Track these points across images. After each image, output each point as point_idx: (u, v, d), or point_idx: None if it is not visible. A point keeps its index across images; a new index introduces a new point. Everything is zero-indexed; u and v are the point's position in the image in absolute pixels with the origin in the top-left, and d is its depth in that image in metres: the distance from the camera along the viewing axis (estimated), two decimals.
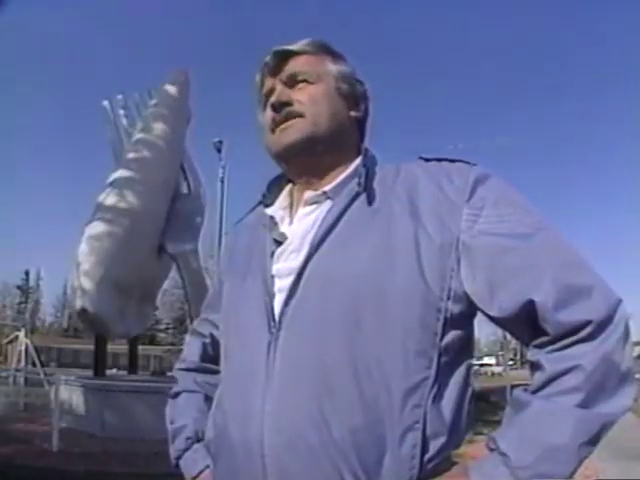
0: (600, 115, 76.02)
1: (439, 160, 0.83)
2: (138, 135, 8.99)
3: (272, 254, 0.83)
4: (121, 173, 8.41)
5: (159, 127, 8.95)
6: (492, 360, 41.58)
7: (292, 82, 0.87)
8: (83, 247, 7.64)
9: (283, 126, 0.85)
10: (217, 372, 0.95)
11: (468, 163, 0.81)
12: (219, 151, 15.36)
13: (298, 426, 0.71)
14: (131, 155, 8.71)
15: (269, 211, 0.89)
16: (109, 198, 8.07)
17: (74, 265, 7.65)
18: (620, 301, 0.71)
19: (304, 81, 0.87)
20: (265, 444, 0.72)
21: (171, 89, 9.52)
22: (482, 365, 38.35)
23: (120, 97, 9.89)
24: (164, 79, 9.75)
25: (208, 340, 1.01)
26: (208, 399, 0.93)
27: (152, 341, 34.53)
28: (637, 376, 0.78)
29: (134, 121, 9.49)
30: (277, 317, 0.77)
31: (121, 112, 9.71)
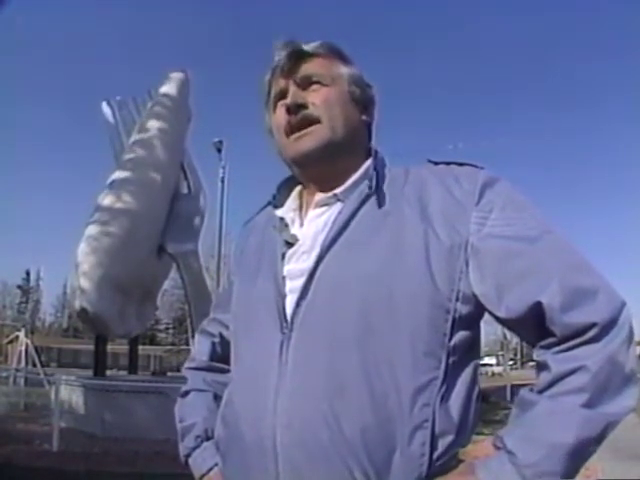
0: (602, 115, 76.08)
1: (447, 164, 0.85)
2: (137, 136, 8.97)
3: (283, 255, 0.84)
4: (121, 173, 8.40)
5: (158, 127, 8.93)
6: (492, 360, 41.57)
7: (306, 84, 0.87)
8: (83, 247, 7.63)
9: (300, 133, 0.84)
10: (226, 371, 0.96)
11: (476, 167, 0.82)
12: (219, 151, 15.41)
13: (310, 424, 0.72)
14: (130, 155, 8.70)
15: (279, 213, 0.90)
16: (109, 198, 8.06)
17: (74, 265, 7.64)
18: (624, 304, 0.72)
19: (318, 83, 0.87)
20: (277, 442, 0.73)
21: (171, 89, 9.50)
22: (482, 365, 38.38)
23: (119, 97, 9.88)
24: (164, 79, 9.74)
25: (217, 339, 1.02)
26: (217, 398, 0.94)
27: (152, 341, 34.61)
28: None
29: (134, 121, 9.47)
30: (289, 317, 0.78)
31: (120, 112, 9.69)
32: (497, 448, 0.71)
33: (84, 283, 7.41)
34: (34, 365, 13.87)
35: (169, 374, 19.70)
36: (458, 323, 0.75)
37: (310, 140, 0.84)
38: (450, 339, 0.75)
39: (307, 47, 0.88)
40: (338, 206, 0.83)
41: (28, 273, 49.38)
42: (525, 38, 78.07)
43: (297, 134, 0.85)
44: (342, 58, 0.91)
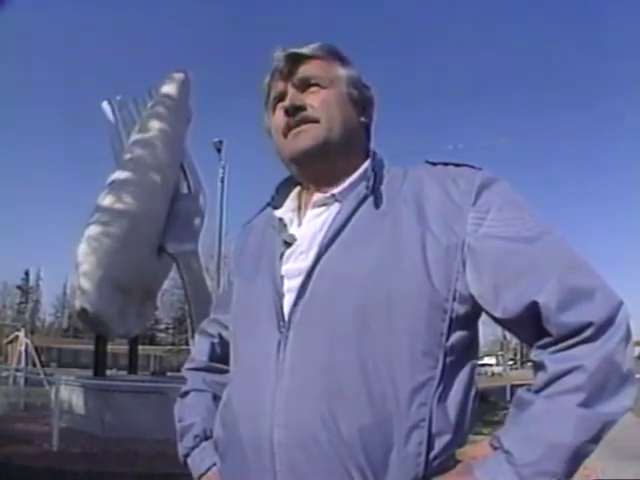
0: (602, 115, 75.98)
1: (445, 164, 0.85)
2: (137, 136, 8.96)
3: (281, 255, 0.85)
4: (121, 174, 8.40)
5: (158, 127, 8.91)
6: (492, 360, 41.54)
7: (304, 86, 0.88)
8: (83, 247, 7.62)
9: (297, 130, 0.85)
10: (225, 371, 0.96)
11: (474, 167, 0.83)
12: (219, 151, 15.40)
13: (307, 424, 0.72)
14: (130, 156, 8.69)
15: (278, 213, 0.91)
16: (109, 198, 8.05)
17: (74, 265, 7.64)
18: (622, 303, 0.72)
19: (316, 85, 0.88)
20: (275, 441, 0.73)
21: (171, 89, 9.48)
22: (482, 365, 38.33)
23: (119, 97, 9.87)
24: (164, 79, 9.73)
25: (217, 340, 1.03)
26: (216, 398, 0.95)
27: (152, 341, 34.62)
28: (638, 376, 0.79)
29: (134, 121, 9.46)
30: (286, 317, 0.79)
31: (121, 112, 9.68)
32: (494, 448, 0.71)
33: (84, 283, 7.40)
34: (34, 365, 13.86)
35: (169, 374, 19.71)
36: (455, 323, 0.76)
37: (307, 138, 0.85)
38: (447, 339, 0.75)
39: (305, 49, 0.88)
40: (336, 206, 0.84)
41: (28, 273, 49.47)
42: (525, 38, 78.05)
43: (295, 130, 0.86)
44: (340, 60, 0.91)
